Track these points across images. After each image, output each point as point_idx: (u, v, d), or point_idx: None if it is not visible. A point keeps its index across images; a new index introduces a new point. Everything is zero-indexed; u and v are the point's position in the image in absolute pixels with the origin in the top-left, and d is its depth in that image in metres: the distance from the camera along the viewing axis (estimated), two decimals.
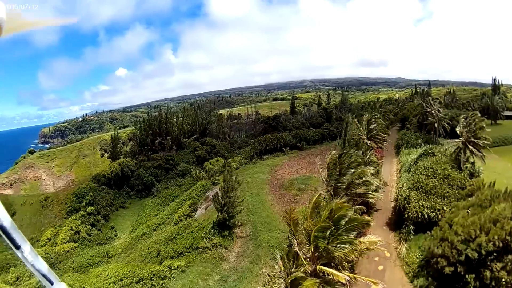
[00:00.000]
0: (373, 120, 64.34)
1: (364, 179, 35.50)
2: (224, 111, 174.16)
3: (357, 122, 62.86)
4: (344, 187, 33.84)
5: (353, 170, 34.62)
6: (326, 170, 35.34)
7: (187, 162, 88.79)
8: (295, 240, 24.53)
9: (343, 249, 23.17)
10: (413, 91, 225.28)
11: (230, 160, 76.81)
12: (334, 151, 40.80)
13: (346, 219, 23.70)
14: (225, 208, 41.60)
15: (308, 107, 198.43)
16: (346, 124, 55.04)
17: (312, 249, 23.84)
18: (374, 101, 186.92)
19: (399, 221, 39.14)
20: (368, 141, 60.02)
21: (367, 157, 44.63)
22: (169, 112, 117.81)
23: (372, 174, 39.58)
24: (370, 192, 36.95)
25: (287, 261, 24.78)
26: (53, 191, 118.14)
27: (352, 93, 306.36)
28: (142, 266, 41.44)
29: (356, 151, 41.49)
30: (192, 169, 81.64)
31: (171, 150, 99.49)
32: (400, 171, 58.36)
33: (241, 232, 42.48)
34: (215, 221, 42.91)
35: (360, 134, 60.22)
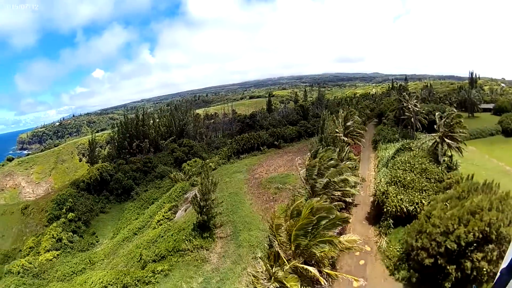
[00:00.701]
0: (349, 116, 65.53)
1: (342, 177, 36.45)
2: (201, 111, 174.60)
3: (334, 119, 63.86)
4: (323, 185, 34.65)
5: (331, 169, 35.55)
6: (304, 169, 36.07)
7: (165, 164, 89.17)
8: (276, 241, 25.33)
9: (323, 248, 24.10)
10: (390, 86, 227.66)
11: (208, 160, 77.40)
12: (312, 151, 41.70)
13: (327, 219, 24.58)
14: (204, 210, 42.21)
15: (285, 104, 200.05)
16: (323, 121, 56.05)
17: (293, 247, 24.74)
18: (351, 97, 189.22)
19: (378, 216, 40.12)
20: (345, 138, 61.36)
21: (344, 154, 45.66)
22: (146, 114, 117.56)
23: (350, 169, 40.68)
24: (349, 189, 37.86)
25: (267, 261, 25.65)
26: (33, 198, 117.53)
27: (329, 89, 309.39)
28: (125, 271, 41.81)
29: (333, 149, 42.49)
30: (170, 171, 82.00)
31: (149, 153, 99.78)
32: (378, 166, 59.63)
33: (222, 232, 43.15)
34: (195, 223, 43.47)
35: (337, 131, 61.33)
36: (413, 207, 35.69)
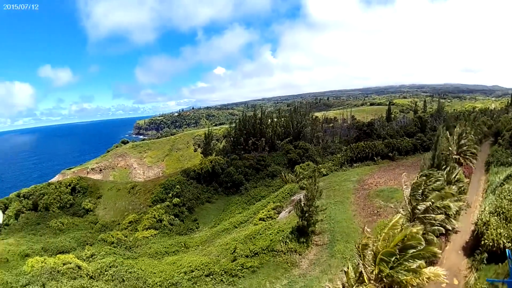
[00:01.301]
0: (464, 135, 61.59)
1: (445, 202, 33.64)
2: (320, 114, 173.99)
3: (448, 136, 60.33)
4: (422, 210, 32.42)
5: (435, 192, 33.03)
6: (409, 188, 33.97)
7: (279, 164, 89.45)
8: (360, 260, 24.44)
9: (407, 276, 22.80)
10: (509, 102, 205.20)
11: (320, 165, 75.97)
12: (422, 167, 39.13)
13: (414, 250, 23.13)
14: (305, 215, 41.30)
15: (404, 114, 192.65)
16: (437, 137, 52.47)
17: (376, 271, 23.58)
18: (469, 111, 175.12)
19: (475, 247, 36.12)
20: (457, 157, 57.99)
21: (454, 175, 42.22)
22: (264, 113, 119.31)
23: (454, 195, 37.31)
24: (449, 217, 34.93)
25: (351, 277, 24.74)
26: (142, 179, 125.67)
27: (449, 100, 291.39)
28: (215, 260, 42.10)
29: (441, 172, 39.40)
30: (282, 171, 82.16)
31: (263, 151, 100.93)
32: (486, 191, 54.40)
33: (319, 240, 41.76)
34: (294, 226, 42.60)
35: (450, 149, 57.78)
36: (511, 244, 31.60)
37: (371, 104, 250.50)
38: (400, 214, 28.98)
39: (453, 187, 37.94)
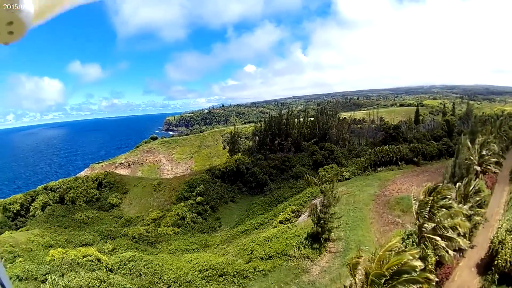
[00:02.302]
0: (486, 144, 60.07)
1: (456, 220, 33.02)
2: (348, 115, 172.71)
3: (469, 144, 58.86)
4: (430, 229, 32.00)
5: (443, 210, 32.55)
6: (417, 203, 33.45)
7: (303, 165, 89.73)
8: (352, 279, 24.96)
9: None
10: None
11: (343, 169, 75.80)
12: (445, 176, 38.73)
13: (408, 275, 23.26)
14: (320, 222, 41.63)
15: (434, 115, 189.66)
16: (459, 146, 51.57)
17: None
18: (498, 115, 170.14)
19: (489, 266, 35.58)
20: (478, 168, 56.29)
21: (471, 187, 41.26)
22: (291, 114, 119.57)
23: (468, 212, 36.53)
24: (459, 236, 34.16)
25: None
26: (170, 175, 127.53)
27: (479, 102, 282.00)
28: (230, 261, 42.91)
29: (452, 186, 38.72)
30: (307, 173, 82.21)
31: (289, 152, 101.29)
32: (508, 204, 52.87)
33: (333, 246, 42.03)
34: (309, 232, 43.12)
35: (472, 158, 56.45)
36: None
37: (401, 105, 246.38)
38: (398, 237, 29.12)
39: (465, 206, 36.83)
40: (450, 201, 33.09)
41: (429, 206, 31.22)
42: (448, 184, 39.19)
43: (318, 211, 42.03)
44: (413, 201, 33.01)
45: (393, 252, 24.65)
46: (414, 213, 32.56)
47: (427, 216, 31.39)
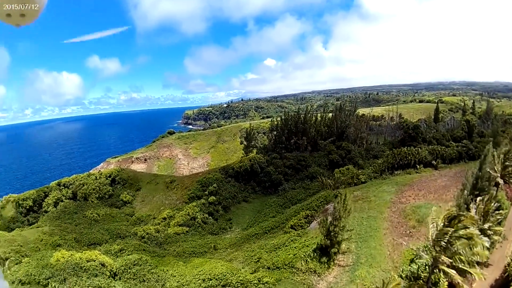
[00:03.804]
0: (510, 155, 57.04)
1: (474, 250, 31.18)
2: (367, 111, 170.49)
3: (494, 154, 55.80)
4: (447, 256, 30.27)
5: (462, 240, 30.69)
6: (434, 228, 31.62)
7: (319, 165, 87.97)
8: None
9: None
10: None
11: (359, 171, 73.82)
12: (465, 186, 36.89)
13: None
14: (330, 235, 40.20)
15: (453, 112, 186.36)
16: (484, 157, 48.83)
17: None
18: None
19: (505, 287, 33.94)
20: (501, 181, 53.63)
21: (493, 204, 39.20)
22: (308, 112, 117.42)
23: (483, 232, 34.49)
24: (467, 267, 32.21)
25: None
26: (187, 170, 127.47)
27: (498, 100, 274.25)
28: (235, 270, 41.89)
29: (471, 215, 36.46)
30: (323, 173, 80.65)
31: (305, 151, 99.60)
32: None
33: (342, 260, 40.53)
34: (318, 243, 41.78)
35: (496, 169, 53.73)
36: None
37: (420, 101, 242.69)
38: (399, 279, 27.82)
39: (485, 225, 35.14)
40: (470, 230, 31.03)
41: (448, 236, 29.48)
42: (469, 213, 36.90)
43: (328, 223, 40.49)
44: (430, 226, 31.29)
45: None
46: (431, 239, 30.85)
47: (444, 245, 29.69)
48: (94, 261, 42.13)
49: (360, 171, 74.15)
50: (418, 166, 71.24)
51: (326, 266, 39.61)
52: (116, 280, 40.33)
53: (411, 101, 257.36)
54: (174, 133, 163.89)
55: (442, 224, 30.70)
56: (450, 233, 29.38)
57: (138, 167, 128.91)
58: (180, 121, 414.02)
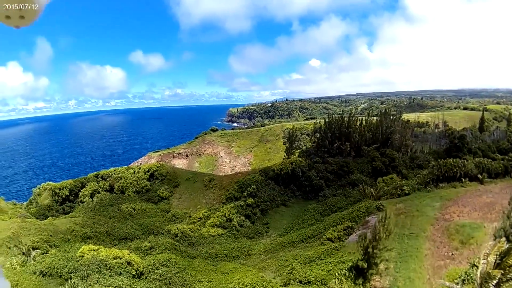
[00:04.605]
0: None
1: None
2: (412, 116, 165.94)
3: None
4: None
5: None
6: (487, 260, 28.09)
7: (362, 172, 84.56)
8: None
9: None
10: None
11: (403, 182, 70.32)
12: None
13: None
14: (367, 256, 37.29)
15: (498, 121, 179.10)
16: None
17: None
18: None
19: None
20: None
21: None
22: (352, 116, 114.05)
23: None
24: None
25: None
26: (228, 168, 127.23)
27: None
28: (267, 281, 39.90)
29: None
30: (365, 181, 77.53)
31: (349, 156, 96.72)
32: None
33: (378, 281, 37.54)
34: (354, 262, 38.97)
35: None
36: None
37: (464, 108, 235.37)
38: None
39: None
40: None
41: (496, 280, 26.05)
42: None
43: (367, 242, 37.45)
44: (483, 261, 27.76)
45: None
46: (478, 278, 27.41)
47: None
48: (121, 258, 40.89)
49: (404, 181, 70.57)
50: (463, 180, 67.22)
51: None
52: (140, 281, 38.89)
53: (455, 108, 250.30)
54: (216, 130, 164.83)
55: (492, 259, 27.18)
56: (500, 277, 25.87)
57: (179, 162, 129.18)
58: (224, 119, 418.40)
